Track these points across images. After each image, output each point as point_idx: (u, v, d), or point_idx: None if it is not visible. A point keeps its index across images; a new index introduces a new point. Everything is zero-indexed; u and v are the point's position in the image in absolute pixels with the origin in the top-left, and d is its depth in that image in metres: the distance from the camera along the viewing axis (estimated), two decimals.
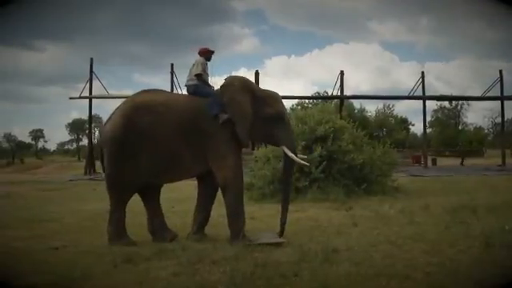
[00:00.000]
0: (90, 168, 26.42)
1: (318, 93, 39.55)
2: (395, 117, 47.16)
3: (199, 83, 6.67)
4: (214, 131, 6.36)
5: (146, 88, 6.84)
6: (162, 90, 6.92)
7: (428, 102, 30.84)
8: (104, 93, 28.19)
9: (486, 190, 12.83)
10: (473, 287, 4.33)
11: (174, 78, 27.80)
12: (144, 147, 6.27)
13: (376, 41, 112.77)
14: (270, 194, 11.20)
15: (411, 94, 28.82)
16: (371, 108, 60.03)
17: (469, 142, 50.41)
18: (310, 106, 36.61)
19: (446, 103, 56.24)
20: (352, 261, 5.14)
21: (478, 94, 31.44)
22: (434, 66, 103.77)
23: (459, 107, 57.91)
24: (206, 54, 6.94)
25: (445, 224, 7.25)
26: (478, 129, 58.69)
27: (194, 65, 6.80)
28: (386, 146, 13.53)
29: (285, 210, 6.65)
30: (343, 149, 11.69)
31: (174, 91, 27.58)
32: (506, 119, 33.50)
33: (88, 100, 27.73)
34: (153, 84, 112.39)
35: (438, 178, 19.01)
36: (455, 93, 57.87)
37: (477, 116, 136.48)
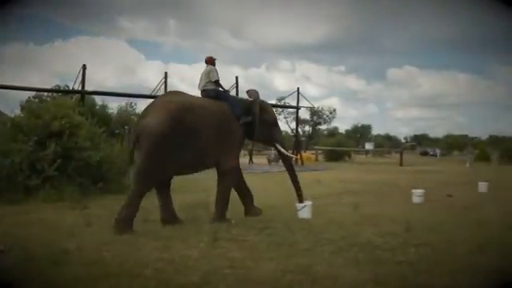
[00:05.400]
0: None
1: (59, 86, 36.74)
2: (138, 115, 47.47)
3: (218, 88, 8.05)
4: (235, 128, 7.87)
5: None
6: (185, 93, 7.75)
7: None
8: None
9: None
10: (200, 278, 4.57)
11: None
12: (184, 145, 7.03)
13: (124, 38, 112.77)
14: None
15: (154, 94, 29.49)
16: (114, 105, 59.59)
17: None
18: (48, 99, 34.27)
19: None
20: (82, 262, 5.05)
21: None
22: (179, 68, 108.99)
23: None
24: (213, 62, 8.25)
25: (179, 221, 7.53)
26: None
27: (206, 72, 8.05)
28: (124, 144, 13.42)
29: (296, 183, 8.69)
30: (80, 146, 11.09)
31: None
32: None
33: None
34: None
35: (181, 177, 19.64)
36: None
37: None
